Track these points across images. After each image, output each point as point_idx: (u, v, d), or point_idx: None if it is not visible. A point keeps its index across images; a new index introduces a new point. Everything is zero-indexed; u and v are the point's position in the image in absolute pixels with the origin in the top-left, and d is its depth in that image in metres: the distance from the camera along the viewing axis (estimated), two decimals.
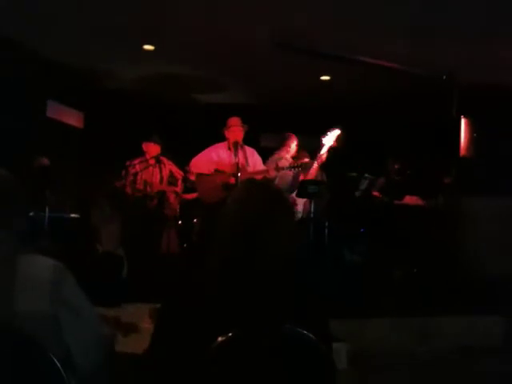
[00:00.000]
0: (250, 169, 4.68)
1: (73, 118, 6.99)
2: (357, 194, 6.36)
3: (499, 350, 4.06)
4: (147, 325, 1.85)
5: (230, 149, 4.73)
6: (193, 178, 5.02)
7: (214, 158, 4.76)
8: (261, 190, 1.48)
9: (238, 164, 4.51)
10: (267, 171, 4.72)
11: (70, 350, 1.37)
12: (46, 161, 5.28)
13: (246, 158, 4.72)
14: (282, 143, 5.43)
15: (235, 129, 4.74)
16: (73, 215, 5.21)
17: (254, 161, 4.81)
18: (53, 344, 1.32)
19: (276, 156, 5.29)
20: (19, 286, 1.31)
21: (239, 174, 4.45)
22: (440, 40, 5.07)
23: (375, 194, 6.23)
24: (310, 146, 6.41)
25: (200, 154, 4.84)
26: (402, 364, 3.73)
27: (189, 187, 5.63)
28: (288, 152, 5.38)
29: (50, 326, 1.33)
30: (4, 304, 1.28)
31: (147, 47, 5.67)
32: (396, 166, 6.36)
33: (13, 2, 4.52)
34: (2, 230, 1.38)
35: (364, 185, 6.36)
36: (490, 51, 5.27)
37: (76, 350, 1.38)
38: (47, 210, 4.78)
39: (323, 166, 5.37)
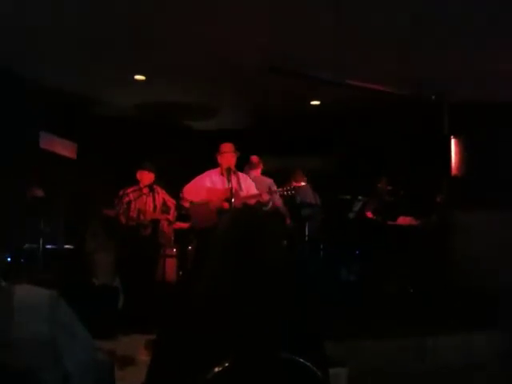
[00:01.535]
0: (243, 193, 4.70)
1: (66, 149, 7.02)
2: (350, 215, 6.40)
3: (498, 367, 4.03)
4: (143, 356, 1.84)
5: (222, 174, 4.77)
6: (186, 204, 5.03)
7: (207, 183, 4.79)
8: (248, 217, 1.50)
9: (231, 189, 4.54)
10: (260, 195, 4.75)
11: (69, 376, 1.37)
12: (39, 192, 5.29)
13: (239, 183, 4.75)
14: (255, 165, 5.69)
15: (228, 155, 4.78)
16: (67, 246, 5.20)
17: (247, 186, 4.84)
18: (51, 370, 1.32)
19: (255, 176, 5.38)
20: (16, 313, 1.31)
21: (233, 200, 4.48)
22: (428, 59, 5.13)
23: (368, 215, 6.27)
24: (304, 167, 6.50)
25: (193, 181, 4.87)
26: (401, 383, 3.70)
27: (183, 214, 5.64)
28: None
29: (49, 351, 1.33)
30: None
31: (138, 77, 5.75)
32: (388, 187, 6.40)
33: (7, 34, 4.58)
34: None
35: (357, 206, 6.40)
36: (479, 68, 5.33)
37: (75, 374, 1.37)
38: (41, 241, 4.77)
39: (316, 189, 5.43)
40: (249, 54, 5.09)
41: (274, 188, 5.03)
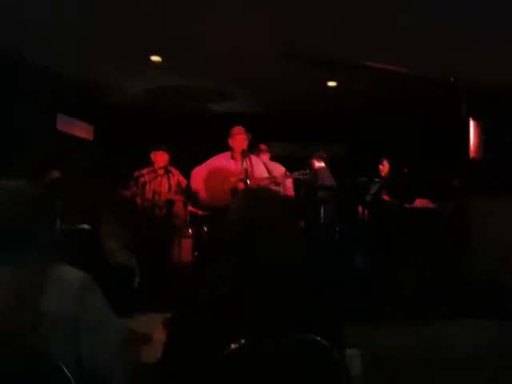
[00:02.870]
0: (257, 175, 4.70)
1: (82, 131, 7.06)
2: (367, 198, 6.36)
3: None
4: (160, 335, 1.85)
5: (233, 157, 4.77)
6: (194, 186, 5.00)
7: (218, 166, 4.80)
8: (262, 198, 1.49)
9: (246, 170, 4.54)
10: (275, 177, 4.74)
11: (81, 360, 1.38)
12: (56, 173, 5.33)
13: (252, 165, 4.74)
14: (264, 152, 5.82)
15: (239, 137, 4.76)
16: (84, 226, 5.25)
17: (260, 169, 4.84)
18: (67, 349, 1.34)
19: (266, 161, 5.40)
20: (47, 289, 1.34)
21: (248, 181, 4.50)
22: (447, 42, 5.04)
23: (385, 197, 6.22)
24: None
25: (201, 165, 4.87)
26: (414, 370, 3.70)
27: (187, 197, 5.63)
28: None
29: (70, 331, 1.35)
30: (28, 309, 1.31)
31: (154, 58, 5.72)
32: (405, 170, 6.34)
33: (23, 19, 4.59)
34: (29, 242, 1.41)
35: (374, 189, 6.35)
36: (498, 53, 5.23)
37: (89, 360, 1.38)
38: (58, 221, 4.81)
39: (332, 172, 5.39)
40: (262, 40, 5.03)
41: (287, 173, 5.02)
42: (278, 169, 5.12)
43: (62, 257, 1.47)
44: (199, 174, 4.83)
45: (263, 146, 5.83)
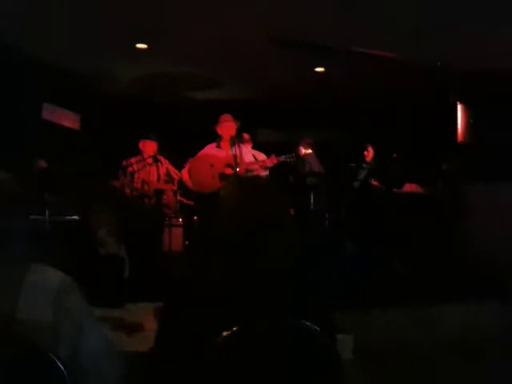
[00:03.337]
0: (246, 161, 4.72)
1: (69, 120, 6.97)
2: (355, 184, 6.37)
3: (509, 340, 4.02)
4: (152, 324, 1.86)
5: (219, 146, 4.80)
6: (189, 183, 5.03)
7: (206, 153, 4.80)
8: (255, 188, 1.49)
9: (235, 156, 4.57)
10: (264, 162, 4.76)
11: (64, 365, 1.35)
12: (44, 163, 5.28)
13: (241, 152, 4.76)
14: (247, 141, 5.71)
15: (227, 124, 4.79)
16: (73, 217, 5.21)
17: (248, 155, 4.86)
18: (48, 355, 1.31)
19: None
20: (23, 294, 1.29)
21: (237, 168, 4.52)
22: (435, 27, 5.03)
23: (374, 183, 6.24)
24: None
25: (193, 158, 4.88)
26: (406, 354, 3.74)
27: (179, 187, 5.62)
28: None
29: (49, 336, 1.31)
30: (3, 308, 1.27)
31: (140, 46, 5.65)
32: (394, 155, 6.37)
33: (7, 5, 4.50)
34: (1, 241, 1.35)
35: (362, 175, 6.37)
36: (485, 37, 5.23)
37: (72, 364, 1.35)
38: (47, 212, 4.78)
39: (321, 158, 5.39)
40: (249, 25, 4.99)
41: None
42: (262, 157, 5.14)
43: (44, 254, 1.43)
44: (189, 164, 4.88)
45: (246, 136, 5.80)
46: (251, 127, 5.85)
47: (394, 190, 6.03)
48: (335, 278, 4.46)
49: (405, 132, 6.92)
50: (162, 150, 5.40)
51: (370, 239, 5.86)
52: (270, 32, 5.05)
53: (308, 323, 1.29)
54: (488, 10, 4.63)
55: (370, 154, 6.47)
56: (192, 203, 5.60)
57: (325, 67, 6.51)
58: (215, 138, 4.90)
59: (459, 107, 6.33)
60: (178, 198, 5.71)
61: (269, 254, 1.38)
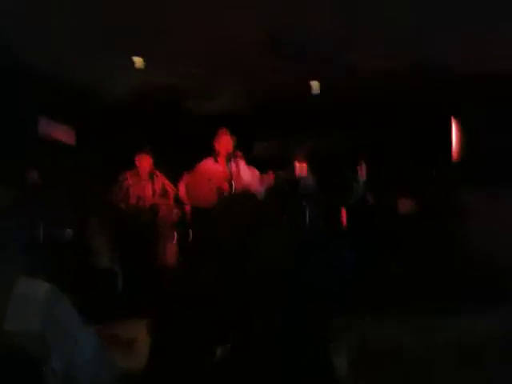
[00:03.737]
0: (243, 176, 4.76)
1: (64, 135, 6.97)
2: (351, 200, 6.36)
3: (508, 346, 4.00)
4: (145, 339, 1.84)
5: (216, 161, 4.84)
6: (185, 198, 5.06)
7: (203, 167, 4.83)
8: (244, 205, 1.51)
9: (231, 172, 4.62)
10: (262, 180, 4.81)
11: (55, 374, 1.34)
12: (35, 174, 5.27)
13: (238, 167, 4.82)
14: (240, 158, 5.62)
15: (225, 139, 4.85)
16: (67, 231, 5.19)
17: (245, 172, 4.91)
18: (37, 366, 1.30)
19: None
20: (11, 306, 1.29)
21: (233, 183, 4.56)
22: (435, 27, 5.01)
23: (367, 198, 6.24)
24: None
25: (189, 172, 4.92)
26: (402, 357, 3.71)
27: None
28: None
29: (39, 346, 1.30)
30: None
31: (136, 58, 5.69)
32: (387, 169, 6.38)
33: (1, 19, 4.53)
34: None
35: (357, 189, 6.36)
36: (485, 37, 5.20)
37: (63, 373, 1.34)
38: (41, 226, 4.75)
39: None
40: (247, 36, 5.02)
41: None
42: (255, 173, 5.18)
43: (35, 267, 1.42)
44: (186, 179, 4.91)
45: (238, 153, 5.83)
46: (247, 140, 5.85)
47: (388, 204, 6.04)
48: (328, 278, 4.44)
49: (401, 143, 6.91)
50: (158, 163, 5.41)
51: (365, 241, 5.85)
52: (267, 41, 5.08)
53: (303, 330, 1.29)
54: (488, 10, 4.63)
55: (362, 170, 6.45)
56: (187, 215, 5.58)
57: (321, 79, 6.52)
58: (211, 151, 4.94)
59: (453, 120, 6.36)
60: (175, 211, 5.70)
61: (258, 259, 1.40)
